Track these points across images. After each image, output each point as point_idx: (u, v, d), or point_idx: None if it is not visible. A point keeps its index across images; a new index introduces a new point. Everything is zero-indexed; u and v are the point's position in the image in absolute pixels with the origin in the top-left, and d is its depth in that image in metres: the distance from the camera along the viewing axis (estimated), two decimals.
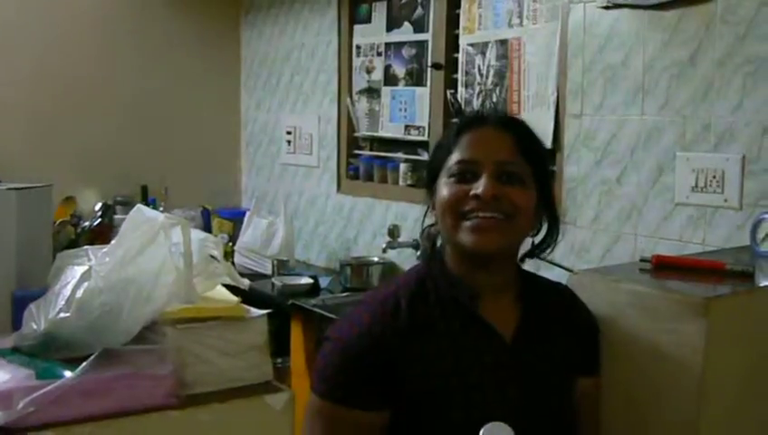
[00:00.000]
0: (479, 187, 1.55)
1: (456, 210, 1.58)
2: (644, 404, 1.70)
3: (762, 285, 1.82)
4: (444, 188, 1.60)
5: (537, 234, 1.70)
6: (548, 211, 1.69)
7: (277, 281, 3.89)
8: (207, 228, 4.62)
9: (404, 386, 1.55)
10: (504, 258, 1.63)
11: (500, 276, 1.65)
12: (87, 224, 4.40)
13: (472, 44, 3.54)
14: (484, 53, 3.48)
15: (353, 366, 1.54)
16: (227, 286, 1.23)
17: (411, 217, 3.77)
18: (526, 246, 1.71)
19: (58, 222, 4.29)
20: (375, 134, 4.16)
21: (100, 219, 4.40)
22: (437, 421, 1.57)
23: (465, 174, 1.58)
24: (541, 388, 1.62)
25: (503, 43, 3.39)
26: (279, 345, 3.85)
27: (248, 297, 1.19)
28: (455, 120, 3.52)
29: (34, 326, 1.12)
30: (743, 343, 1.69)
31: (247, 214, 4.49)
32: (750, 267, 1.84)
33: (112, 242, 1.14)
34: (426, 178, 1.71)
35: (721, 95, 2.59)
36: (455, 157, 1.60)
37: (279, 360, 3.87)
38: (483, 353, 1.60)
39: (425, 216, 1.72)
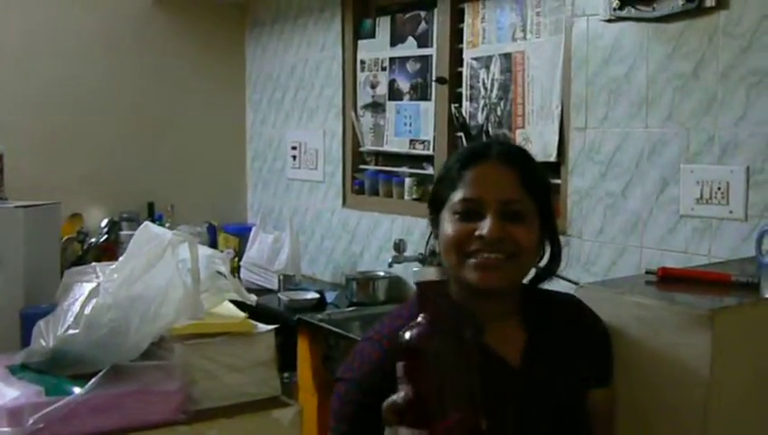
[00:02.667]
0: (484, 228, 1.54)
1: (460, 249, 1.57)
2: (651, 417, 1.70)
3: (767, 296, 1.82)
4: (448, 225, 1.60)
5: (540, 260, 1.71)
6: (551, 242, 1.69)
7: (283, 296, 3.90)
8: (213, 244, 4.63)
9: None
10: (508, 291, 1.64)
11: (503, 305, 1.65)
12: (93, 240, 4.42)
13: (476, 58, 3.55)
14: (488, 67, 3.49)
15: (372, 401, 1.53)
16: (234, 302, 1.23)
17: (417, 231, 3.77)
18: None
19: (65, 238, 4.31)
20: (380, 149, 4.17)
21: (106, 236, 4.43)
22: None
23: (470, 212, 1.57)
24: (554, 408, 1.62)
25: (506, 56, 3.41)
26: (285, 360, 3.85)
27: (254, 312, 1.20)
28: (458, 135, 3.53)
29: (43, 343, 1.13)
30: (749, 354, 1.69)
31: (253, 229, 4.50)
32: (755, 279, 1.84)
33: (120, 259, 1.15)
34: (429, 206, 1.70)
35: (725, 107, 2.60)
36: (459, 194, 1.59)
37: (286, 375, 3.87)
38: (492, 381, 1.59)
39: (427, 242, 1.71)
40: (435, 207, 1.67)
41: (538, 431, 1.60)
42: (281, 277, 4.10)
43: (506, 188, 1.58)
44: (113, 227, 4.45)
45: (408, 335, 1.18)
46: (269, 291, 4.12)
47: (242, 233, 4.76)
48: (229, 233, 4.85)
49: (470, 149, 1.70)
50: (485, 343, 1.61)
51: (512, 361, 1.62)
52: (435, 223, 1.67)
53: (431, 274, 1.23)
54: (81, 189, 4.56)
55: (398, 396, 1.18)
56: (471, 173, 1.60)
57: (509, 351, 1.62)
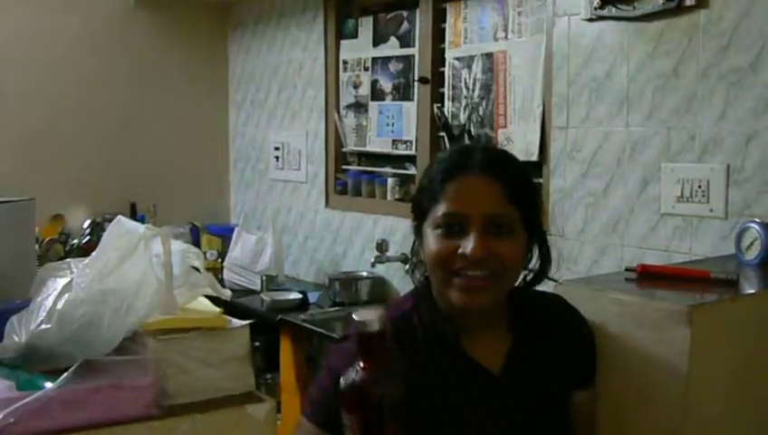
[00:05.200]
0: (468, 247, 1.51)
1: (445, 267, 1.55)
2: (631, 412, 1.70)
3: (745, 292, 1.83)
4: (432, 240, 1.56)
5: (528, 263, 1.69)
6: (540, 246, 1.66)
7: (266, 296, 3.89)
8: (197, 245, 4.61)
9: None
10: (494, 307, 1.63)
11: (488, 318, 1.63)
12: (76, 241, 4.40)
13: (458, 58, 3.56)
14: (470, 67, 3.49)
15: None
16: (210, 298, 1.23)
17: (400, 231, 3.77)
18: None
19: (47, 240, 4.30)
20: (363, 149, 4.17)
21: (88, 237, 4.41)
22: None
23: (453, 227, 1.54)
24: (534, 414, 1.61)
25: (488, 56, 3.41)
26: (268, 361, 3.85)
27: (236, 312, 1.19)
28: (441, 135, 3.53)
29: (16, 338, 1.12)
30: (727, 349, 1.69)
31: (236, 230, 4.49)
32: (734, 275, 1.85)
33: (93, 254, 1.14)
34: (412, 213, 1.66)
35: (705, 105, 2.61)
36: (441, 208, 1.55)
37: (269, 376, 3.86)
38: (471, 389, 1.59)
39: (412, 248, 1.69)
40: (417, 216, 1.64)
41: None
42: (263, 278, 4.09)
43: (490, 202, 1.54)
44: (95, 228, 4.42)
45: (348, 381, 1.29)
46: (252, 291, 4.11)
47: (225, 234, 4.75)
48: (212, 234, 4.84)
49: (451, 158, 1.63)
50: (465, 352, 1.61)
51: (493, 368, 1.61)
52: (418, 232, 1.64)
53: (371, 319, 1.29)
54: (62, 190, 4.54)
55: None
56: (453, 186, 1.56)
57: (491, 358, 1.61)
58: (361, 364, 1.30)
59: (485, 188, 1.55)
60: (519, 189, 1.58)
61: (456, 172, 1.57)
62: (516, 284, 1.66)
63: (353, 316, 1.33)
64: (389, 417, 1.29)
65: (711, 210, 2.60)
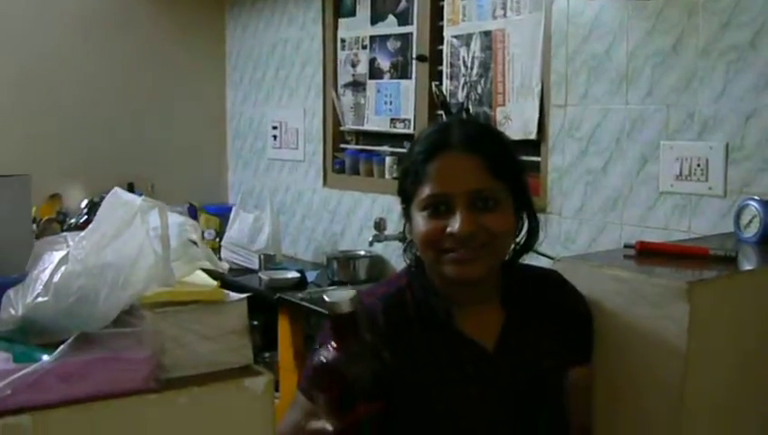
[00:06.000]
0: (455, 224, 1.51)
1: (434, 247, 1.56)
2: (629, 388, 1.70)
3: (744, 269, 1.83)
4: (419, 221, 1.57)
5: (518, 236, 1.69)
6: (528, 217, 1.67)
7: (264, 275, 3.89)
8: None
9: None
10: (489, 275, 1.62)
11: (482, 289, 1.64)
12: (73, 221, 4.39)
13: (456, 36, 3.54)
14: (468, 45, 3.47)
15: None
16: (207, 272, 1.22)
17: (397, 210, 3.67)
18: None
19: (44, 219, 4.29)
20: (361, 128, 4.16)
21: (86, 216, 4.40)
22: (423, 432, 1.57)
23: (439, 207, 1.54)
24: (527, 391, 1.62)
25: (487, 34, 3.39)
26: (266, 340, 3.85)
27: (235, 291, 1.19)
28: (439, 113, 3.52)
29: (12, 311, 1.11)
30: (726, 326, 1.69)
31: (234, 209, 4.48)
32: (733, 252, 1.84)
33: (89, 226, 1.13)
34: (399, 196, 1.67)
35: (704, 83, 2.60)
36: (425, 189, 1.55)
37: (267, 354, 3.87)
38: (464, 365, 1.59)
39: (404, 230, 1.70)
40: (403, 199, 1.64)
41: (513, 413, 1.60)
42: (261, 257, 4.09)
43: (472, 178, 1.54)
44: (93, 207, 4.41)
45: (321, 360, 1.33)
46: (250, 270, 4.11)
47: (222, 213, 4.74)
48: (210, 213, 4.83)
49: (430, 137, 1.63)
50: (459, 329, 1.61)
51: (486, 344, 1.61)
52: (406, 214, 1.64)
53: (342, 300, 1.32)
54: (59, 170, 4.52)
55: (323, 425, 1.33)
56: (434, 166, 1.55)
57: (484, 335, 1.62)
58: (333, 344, 1.32)
59: (467, 164, 1.55)
60: (501, 162, 1.58)
61: (437, 152, 1.57)
62: (504, 263, 1.66)
63: (324, 298, 1.35)
64: (361, 397, 1.31)
65: (710, 188, 2.59)
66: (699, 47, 2.60)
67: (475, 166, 1.54)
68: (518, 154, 1.70)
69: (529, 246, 1.71)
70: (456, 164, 1.55)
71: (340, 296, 1.33)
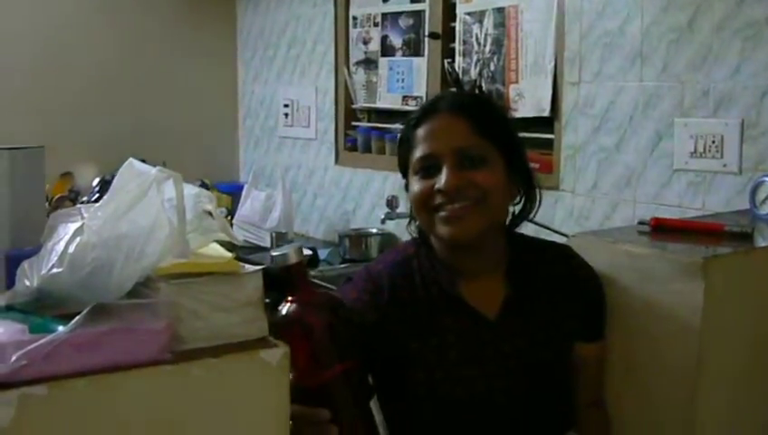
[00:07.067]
0: (441, 180, 1.56)
1: (426, 206, 1.60)
2: (643, 365, 1.70)
3: (760, 245, 1.82)
4: (413, 185, 1.63)
5: (519, 203, 1.71)
6: (522, 179, 1.68)
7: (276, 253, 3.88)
8: None
9: (383, 365, 1.60)
10: (488, 239, 1.63)
11: (486, 258, 1.66)
12: (85, 199, 4.39)
13: (469, 13, 3.51)
14: (481, 22, 3.45)
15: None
16: (221, 244, 1.22)
17: None
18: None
19: (56, 197, 4.29)
20: (373, 105, 4.14)
21: (98, 194, 4.40)
22: (422, 399, 1.59)
23: (429, 168, 1.59)
24: (530, 360, 1.62)
25: (500, 11, 3.37)
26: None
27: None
28: (452, 90, 3.50)
29: (27, 283, 1.11)
30: (741, 302, 1.69)
31: (245, 187, 4.48)
32: (749, 228, 1.83)
33: (104, 197, 1.13)
34: (400, 171, 1.72)
35: (719, 60, 2.57)
36: (416, 153, 1.61)
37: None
38: (465, 333, 1.61)
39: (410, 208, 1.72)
40: (403, 171, 1.69)
41: (513, 382, 1.61)
42: (273, 235, 4.08)
43: (458, 136, 1.59)
44: (105, 185, 4.41)
45: (283, 312, 1.34)
46: (262, 249, 4.11)
47: (234, 191, 4.74)
48: (222, 192, 4.83)
49: (422, 106, 1.71)
50: (461, 297, 1.62)
51: (488, 314, 1.62)
52: (407, 187, 1.68)
53: (288, 251, 1.35)
54: (70, 148, 4.52)
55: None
56: (423, 130, 1.61)
57: (488, 305, 1.63)
58: (289, 297, 1.35)
59: (452, 124, 1.60)
60: (487, 122, 1.62)
61: (426, 117, 1.63)
62: (506, 221, 1.70)
63: (272, 253, 1.38)
64: (320, 345, 1.31)
65: (725, 165, 2.58)
66: (714, 23, 2.58)
67: (461, 126, 1.59)
68: (510, 118, 1.78)
69: (527, 210, 1.72)
70: (442, 125, 1.61)
71: (286, 249, 1.36)
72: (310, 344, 1.30)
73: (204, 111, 5.04)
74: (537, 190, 1.71)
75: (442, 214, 1.58)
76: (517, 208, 1.72)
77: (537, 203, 1.72)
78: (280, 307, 1.34)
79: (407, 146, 1.65)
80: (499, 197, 1.62)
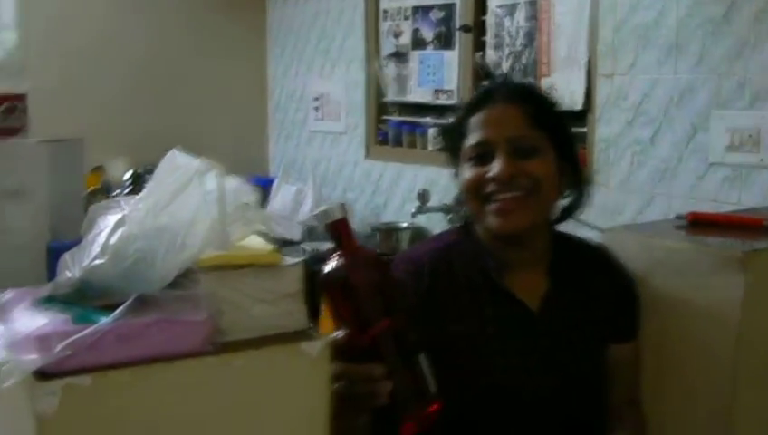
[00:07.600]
0: (494, 168, 1.56)
1: (477, 194, 1.59)
2: (679, 360, 1.68)
3: None
4: (464, 173, 1.62)
5: (567, 197, 1.70)
6: (573, 173, 1.67)
7: (307, 247, 3.89)
8: None
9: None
10: (535, 232, 1.63)
11: (531, 251, 1.65)
12: (118, 192, 4.42)
13: (501, 6, 3.50)
14: (512, 15, 3.44)
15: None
16: (261, 236, 1.22)
17: (440, 181, 3.74)
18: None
19: (89, 191, 4.32)
20: (403, 99, 4.14)
21: (130, 188, 4.42)
22: (454, 386, 1.58)
23: (482, 156, 1.59)
24: (566, 357, 1.62)
25: (532, 3, 3.35)
26: (309, 310, 3.86)
27: None
28: (484, 83, 3.49)
29: (69, 274, 1.11)
30: None
31: (276, 181, 4.49)
32: None
33: (146, 188, 1.13)
34: (449, 159, 1.71)
35: (756, 52, 2.55)
36: (469, 141, 1.61)
37: (310, 326, 3.87)
38: (507, 323, 1.60)
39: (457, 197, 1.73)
40: (453, 159, 1.68)
41: (548, 379, 1.60)
42: (305, 229, 4.09)
43: (513, 126, 1.58)
44: (137, 179, 4.44)
45: (328, 268, 1.30)
46: (293, 242, 4.11)
47: (264, 185, 4.74)
48: (252, 185, 4.83)
49: (475, 95, 1.71)
50: (505, 287, 1.61)
51: (531, 306, 1.62)
52: (457, 176, 1.68)
53: (332, 207, 1.31)
54: (102, 142, 4.53)
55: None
56: (478, 117, 1.62)
57: (529, 297, 1.63)
58: (337, 253, 1.32)
59: (507, 114, 1.60)
60: (542, 112, 1.62)
61: (480, 105, 1.63)
62: (554, 216, 1.68)
63: (316, 212, 1.35)
64: (366, 300, 1.29)
65: (761, 160, 2.55)
66: (752, 14, 2.55)
67: (515, 115, 1.59)
68: (563, 112, 1.73)
69: (576, 206, 1.70)
70: (497, 114, 1.61)
71: (329, 206, 1.33)
72: (356, 300, 1.29)
73: (234, 106, 5.05)
74: (586, 187, 1.69)
75: (493, 205, 1.57)
76: (566, 203, 1.70)
77: (586, 197, 1.70)
78: (325, 264, 1.32)
79: (458, 133, 1.65)
80: (549, 188, 1.61)
